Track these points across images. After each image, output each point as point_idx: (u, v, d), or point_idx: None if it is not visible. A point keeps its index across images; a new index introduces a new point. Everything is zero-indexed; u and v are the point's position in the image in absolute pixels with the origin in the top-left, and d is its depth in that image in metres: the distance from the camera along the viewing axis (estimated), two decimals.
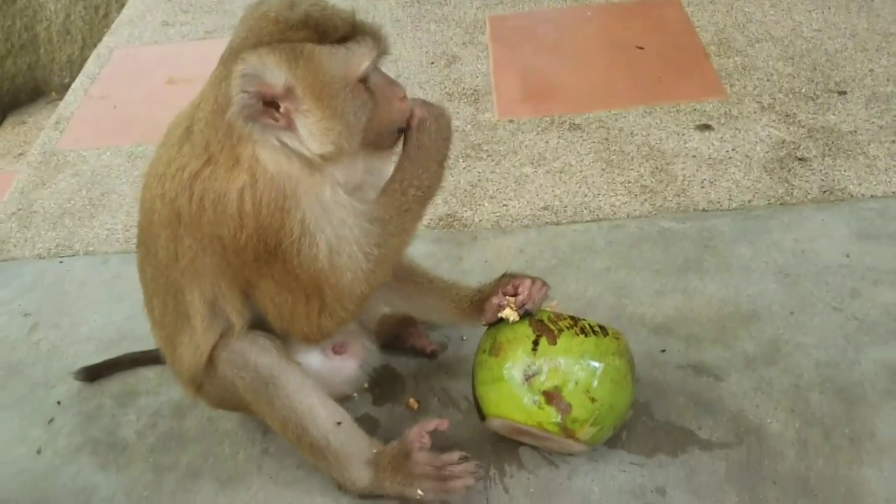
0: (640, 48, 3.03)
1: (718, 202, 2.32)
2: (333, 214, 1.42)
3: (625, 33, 3.14)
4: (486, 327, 1.66)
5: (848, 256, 2.09)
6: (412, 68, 3.07)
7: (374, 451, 1.61)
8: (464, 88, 2.94)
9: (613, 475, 1.66)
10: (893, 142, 2.45)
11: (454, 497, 1.57)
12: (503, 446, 1.70)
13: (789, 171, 2.40)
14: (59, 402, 1.93)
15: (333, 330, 1.52)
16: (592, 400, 1.51)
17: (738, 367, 1.84)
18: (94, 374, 1.96)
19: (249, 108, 1.33)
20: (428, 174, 1.51)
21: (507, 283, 1.62)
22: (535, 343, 1.54)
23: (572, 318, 1.59)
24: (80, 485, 1.74)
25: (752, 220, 2.25)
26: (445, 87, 2.95)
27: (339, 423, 1.57)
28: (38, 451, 1.82)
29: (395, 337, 1.91)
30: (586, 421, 1.52)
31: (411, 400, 1.83)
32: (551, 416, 1.52)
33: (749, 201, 2.31)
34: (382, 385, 1.88)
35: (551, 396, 1.51)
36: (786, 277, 2.05)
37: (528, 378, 1.52)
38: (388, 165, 1.56)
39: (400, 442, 1.60)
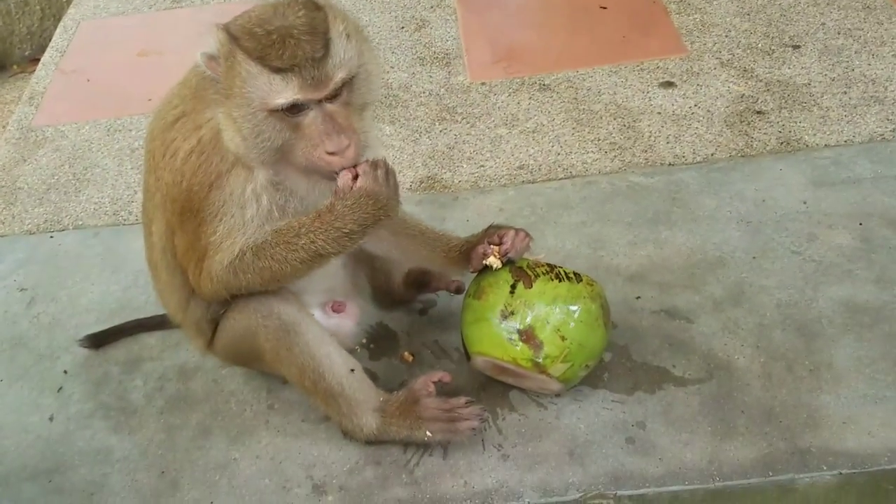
0: (604, 8, 3.13)
1: (683, 156, 2.45)
2: (246, 209, 1.53)
3: None
4: (473, 274, 1.78)
5: (805, 203, 2.25)
6: (383, 33, 3.13)
7: (381, 399, 1.73)
8: (435, 52, 3.01)
9: (598, 412, 1.80)
10: (844, 93, 2.60)
11: (460, 437, 1.70)
12: (494, 391, 1.84)
13: (748, 124, 2.53)
14: (65, 372, 2.01)
15: (205, 297, 1.63)
16: (563, 338, 1.64)
17: (706, 310, 1.99)
18: (99, 341, 2.03)
19: (206, 77, 1.46)
20: (325, 237, 1.48)
21: (492, 233, 1.74)
22: (513, 287, 1.67)
23: (550, 265, 1.71)
24: (95, 447, 1.84)
25: (715, 171, 2.38)
26: (416, 52, 3.02)
27: (352, 371, 1.69)
28: (51, 419, 1.90)
29: (422, 282, 2.01)
30: (557, 357, 1.65)
31: (406, 353, 1.95)
32: (525, 352, 1.65)
33: (712, 154, 2.45)
34: (378, 341, 2.00)
35: (525, 335, 1.64)
36: (748, 225, 2.20)
37: (506, 317, 1.65)
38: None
39: (407, 391, 1.73)
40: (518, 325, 1.65)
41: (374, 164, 1.47)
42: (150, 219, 1.67)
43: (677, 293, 2.04)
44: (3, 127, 3.18)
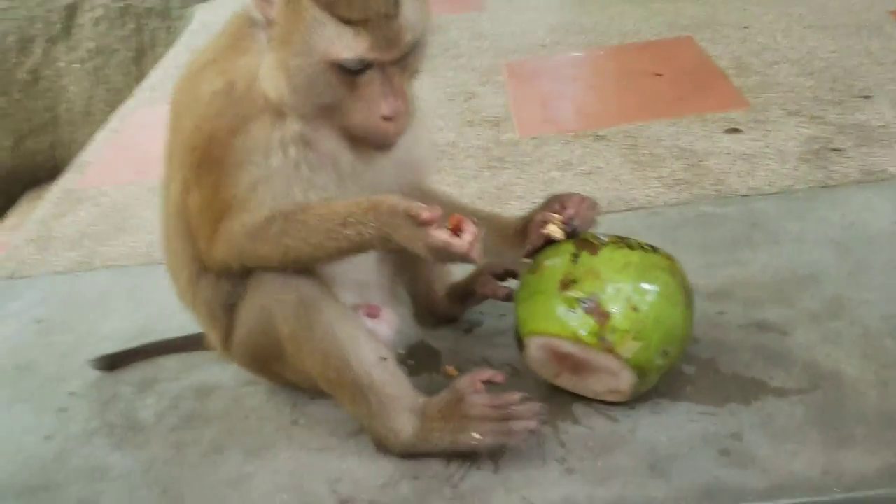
0: (659, 75, 3.05)
1: (758, 188, 2.25)
2: (271, 157, 1.37)
3: (641, 65, 3.17)
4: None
5: None
6: (431, 105, 3.08)
7: (421, 400, 1.47)
8: (483, 116, 2.94)
9: (682, 425, 1.50)
10: None
11: (515, 440, 1.41)
12: (554, 401, 1.55)
13: (826, 159, 2.34)
14: (72, 393, 1.79)
15: (214, 264, 1.45)
16: (635, 309, 1.38)
17: (802, 323, 1.71)
18: (112, 363, 1.83)
19: (255, 18, 1.34)
20: (376, 238, 1.32)
21: (553, 202, 1.53)
22: (576, 256, 1.44)
23: (620, 237, 1.48)
24: (92, 464, 1.59)
25: (796, 201, 2.17)
26: (465, 117, 2.95)
27: (383, 359, 1.44)
28: (48, 437, 1.67)
29: (466, 293, 1.78)
30: (628, 333, 1.38)
31: (450, 367, 1.70)
32: (589, 324, 1.38)
33: (790, 186, 2.24)
34: (418, 357, 1.75)
35: (589, 304, 1.38)
36: (837, 245, 1.95)
37: (566, 287, 1.40)
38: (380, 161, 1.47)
39: (450, 390, 1.46)
40: (581, 294, 1.39)
41: (468, 231, 1.28)
42: (167, 185, 1.52)
43: (767, 308, 1.77)
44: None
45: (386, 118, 1.35)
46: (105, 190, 2.79)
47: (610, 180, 2.38)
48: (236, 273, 1.45)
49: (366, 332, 1.46)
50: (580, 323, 1.39)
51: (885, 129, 2.46)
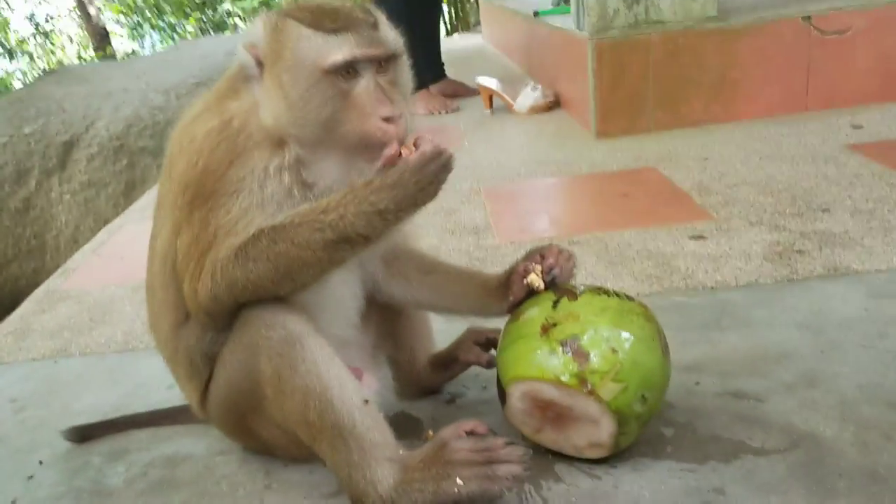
0: (626, 195, 3.21)
1: (725, 282, 2.33)
2: (266, 186, 1.40)
3: (610, 188, 3.34)
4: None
5: (866, 310, 2.06)
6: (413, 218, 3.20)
7: (401, 451, 1.45)
8: (464, 226, 3.05)
9: (663, 480, 1.48)
10: (885, 235, 2.53)
11: (499, 485, 1.38)
12: (537, 462, 1.53)
13: (790, 259, 2.44)
14: (40, 462, 1.74)
15: (201, 304, 1.42)
16: (613, 351, 1.41)
17: (778, 392, 1.74)
18: (83, 434, 1.79)
19: (246, 65, 1.43)
20: (356, 212, 1.34)
21: (534, 253, 1.58)
22: (556, 302, 1.48)
23: (598, 286, 1.53)
24: None
25: (763, 292, 2.24)
26: (447, 227, 3.06)
27: (365, 402, 1.43)
28: (13, 502, 1.61)
29: (450, 360, 1.80)
30: (607, 374, 1.40)
31: (430, 432, 1.66)
32: (569, 365, 1.40)
33: (756, 280, 2.32)
34: (397, 424, 1.71)
35: (570, 346, 1.41)
36: (808, 328, 2.01)
37: (546, 330, 1.44)
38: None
39: (432, 441, 1.45)
40: (561, 336, 1.43)
41: (426, 141, 1.38)
42: (156, 233, 1.55)
43: (741, 379, 1.80)
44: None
45: (385, 119, 1.38)
46: (88, 290, 2.81)
47: (585, 276, 2.45)
48: (222, 314, 1.44)
49: (349, 374, 1.45)
50: (561, 365, 1.41)
51: (847, 234, 2.58)
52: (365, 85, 1.39)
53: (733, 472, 1.49)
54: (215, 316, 1.45)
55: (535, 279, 1.53)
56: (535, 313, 1.49)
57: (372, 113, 1.38)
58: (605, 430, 1.45)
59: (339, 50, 1.36)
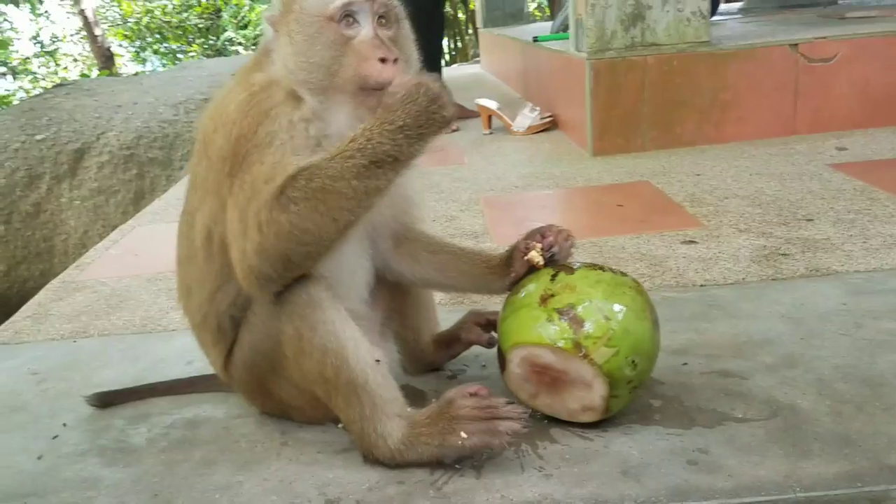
0: (620, 206, 3.35)
1: (714, 280, 2.45)
2: (295, 135, 1.49)
3: (606, 199, 3.48)
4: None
5: (845, 304, 2.19)
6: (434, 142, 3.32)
7: (409, 409, 1.56)
8: (464, 231, 3.18)
9: (651, 442, 1.60)
10: (865, 242, 2.67)
11: (500, 440, 1.49)
12: (533, 427, 1.64)
13: (775, 261, 2.57)
14: (64, 424, 1.84)
15: (249, 262, 1.45)
16: (606, 318, 1.53)
17: (760, 371, 1.86)
18: (106, 400, 1.89)
19: (266, 35, 1.56)
20: (380, 132, 1.40)
21: (534, 233, 1.71)
22: (554, 276, 1.62)
23: (594, 263, 1.66)
24: (83, 476, 1.62)
25: (749, 289, 2.37)
26: (447, 232, 3.19)
27: (377, 361, 1.55)
28: (39, 458, 1.71)
29: (452, 339, 1.91)
30: (600, 339, 1.52)
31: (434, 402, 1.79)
32: (565, 331, 1.53)
33: (743, 279, 2.45)
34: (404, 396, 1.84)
35: (566, 313, 1.54)
36: (790, 319, 2.13)
37: (545, 300, 1.56)
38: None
39: (438, 400, 1.56)
40: (559, 305, 1.55)
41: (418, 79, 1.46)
42: (190, 210, 1.65)
43: (726, 361, 1.92)
44: None
45: (382, 60, 1.48)
46: (104, 281, 2.92)
47: None
48: (270, 277, 1.47)
49: (363, 335, 1.56)
50: (559, 332, 1.54)
51: (828, 241, 2.72)
52: (365, 33, 1.52)
53: (717, 436, 1.60)
54: (263, 279, 1.47)
55: (535, 256, 1.65)
56: (535, 286, 1.61)
57: (369, 56, 1.48)
58: (597, 392, 1.57)
59: None
